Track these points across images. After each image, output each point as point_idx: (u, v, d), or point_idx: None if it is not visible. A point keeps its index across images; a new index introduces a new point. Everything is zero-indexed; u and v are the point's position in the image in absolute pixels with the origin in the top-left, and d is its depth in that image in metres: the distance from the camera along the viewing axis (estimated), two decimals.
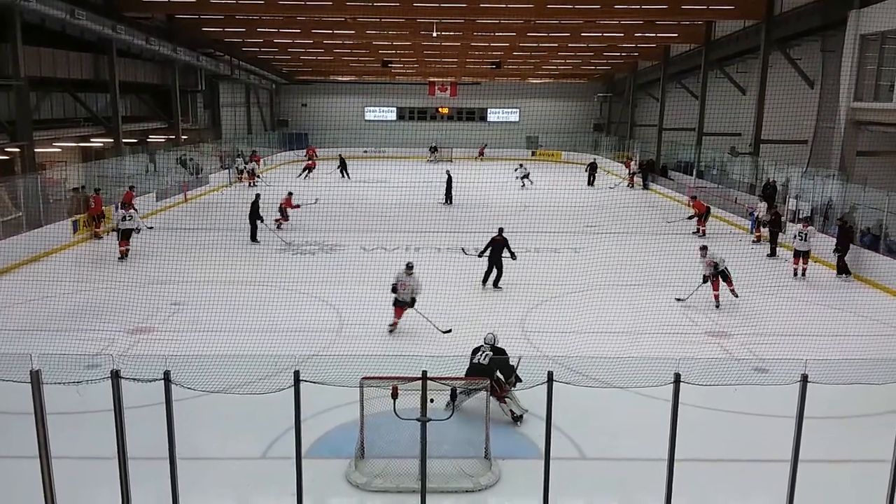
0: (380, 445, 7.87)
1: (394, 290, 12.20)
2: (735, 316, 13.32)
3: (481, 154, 46.90)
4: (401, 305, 12.19)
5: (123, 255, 17.77)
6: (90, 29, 22.77)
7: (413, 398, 6.45)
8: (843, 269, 16.58)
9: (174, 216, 23.10)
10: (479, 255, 15.32)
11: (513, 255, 15.00)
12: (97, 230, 20.45)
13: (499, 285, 15.11)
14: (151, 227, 20.70)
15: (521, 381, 8.91)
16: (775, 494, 6.71)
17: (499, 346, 9.20)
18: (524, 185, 33.10)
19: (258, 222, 19.84)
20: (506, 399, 8.84)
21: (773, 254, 18.69)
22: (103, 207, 20.59)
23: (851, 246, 16.73)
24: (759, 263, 18.06)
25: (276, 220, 21.14)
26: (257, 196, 20.46)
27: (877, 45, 19.02)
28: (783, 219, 18.99)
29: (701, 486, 7.56)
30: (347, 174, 36.12)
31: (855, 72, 19.57)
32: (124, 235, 17.90)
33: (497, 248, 15.04)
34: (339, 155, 38.39)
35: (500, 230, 15.28)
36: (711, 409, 8.93)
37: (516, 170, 34.09)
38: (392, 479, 7.42)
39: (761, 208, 20.75)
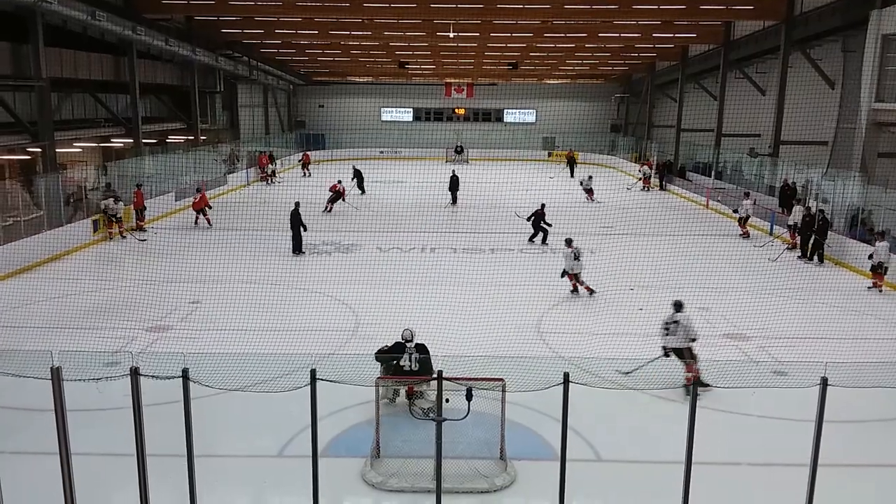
0: (395, 445, 7.90)
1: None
2: (753, 318, 13.18)
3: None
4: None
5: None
6: (110, 30, 23.06)
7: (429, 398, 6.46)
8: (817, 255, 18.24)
9: (193, 215, 23.22)
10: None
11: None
12: (140, 223, 21.53)
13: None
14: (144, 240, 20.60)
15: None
16: (794, 499, 6.64)
17: (420, 342, 8.93)
18: (589, 199, 28.95)
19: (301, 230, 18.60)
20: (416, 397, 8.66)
21: (803, 255, 18.51)
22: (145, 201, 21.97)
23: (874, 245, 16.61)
24: (780, 266, 17.91)
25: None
26: (297, 204, 18.78)
27: None
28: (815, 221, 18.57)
29: (718, 490, 7.49)
30: (363, 188, 30.07)
31: (876, 72, 19.30)
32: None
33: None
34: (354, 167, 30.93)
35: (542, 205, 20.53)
36: (729, 411, 8.84)
37: (582, 182, 30.00)
38: (407, 478, 7.43)
39: (745, 205, 21.77)
